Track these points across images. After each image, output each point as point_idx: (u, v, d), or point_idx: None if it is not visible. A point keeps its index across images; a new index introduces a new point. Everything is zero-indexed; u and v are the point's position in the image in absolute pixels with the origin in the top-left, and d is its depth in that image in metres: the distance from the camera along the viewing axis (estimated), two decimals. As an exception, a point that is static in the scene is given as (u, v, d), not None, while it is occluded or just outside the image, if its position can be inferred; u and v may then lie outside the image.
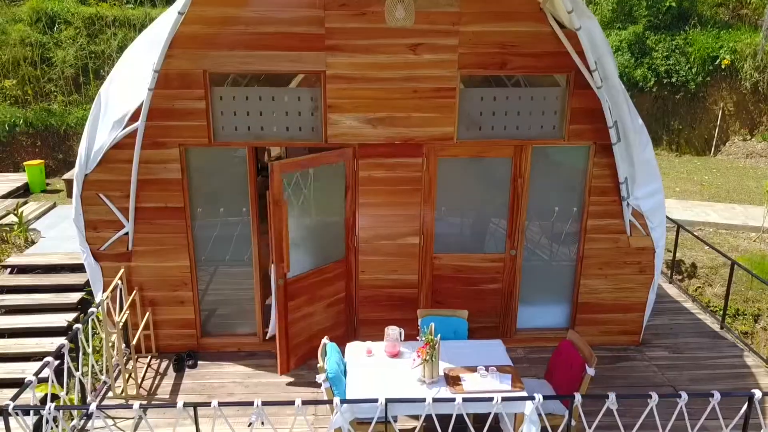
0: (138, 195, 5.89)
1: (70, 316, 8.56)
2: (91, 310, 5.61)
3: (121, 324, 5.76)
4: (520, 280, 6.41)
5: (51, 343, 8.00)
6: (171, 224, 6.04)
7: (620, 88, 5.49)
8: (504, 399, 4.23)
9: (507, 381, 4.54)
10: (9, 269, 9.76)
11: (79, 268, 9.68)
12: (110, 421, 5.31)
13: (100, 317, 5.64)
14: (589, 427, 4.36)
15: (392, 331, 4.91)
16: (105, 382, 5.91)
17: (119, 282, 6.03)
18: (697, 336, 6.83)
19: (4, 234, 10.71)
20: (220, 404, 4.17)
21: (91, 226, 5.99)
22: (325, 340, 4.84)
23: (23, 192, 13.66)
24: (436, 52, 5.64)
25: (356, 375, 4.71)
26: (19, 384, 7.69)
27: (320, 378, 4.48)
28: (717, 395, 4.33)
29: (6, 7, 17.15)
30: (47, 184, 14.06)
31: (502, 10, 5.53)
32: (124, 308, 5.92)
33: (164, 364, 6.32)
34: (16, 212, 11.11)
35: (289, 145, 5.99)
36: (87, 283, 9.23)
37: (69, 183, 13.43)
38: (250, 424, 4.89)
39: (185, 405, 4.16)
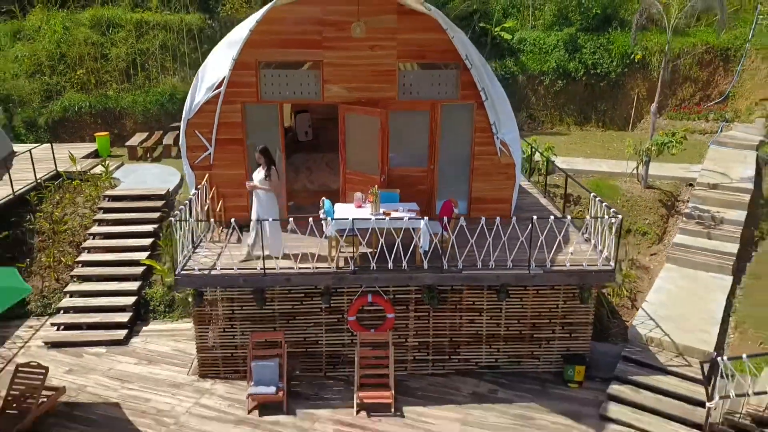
0: (217, 131, 10.49)
1: (153, 225, 13.34)
2: (190, 195, 10.18)
3: (206, 207, 10.35)
4: (437, 184, 11.01)
5: (143, 242, 12.84)
6: (235, 149, 10.65)
7: (483, 70, 10.09)
8: (409, 219, 8.86)
9: (414, 214, 9.17)
10: (107, 198, 14.39)
11: (153, 197, 14.30)
12: (211, 246, 9.94)
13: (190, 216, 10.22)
14: (453, 236, 8.99)
15: (357, 195, 9.55)
16: (201, 237, 10.52)
17: (205, 182, 10.63)
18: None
19: (96, 180, 15.25)
20: (274, 220, 8.80)
21: (190, 149, 10.61)
22: (323, 198, 9.49)
23: (94, 156, 18.07)
24: (384, 50, 10.24)
25: (339, 213, 9.35)
26: (129, 263, 12.44)
27: (321, 213, 9.11)
28: (514, 218, 8.95)
29: (72, 14, 21.67)
30: (110, 151, 18.51)
31: (420, 26, 10.11)
32: (208, 198, 10.53)
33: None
34: (104, 164, 15.69)
35: (301, 102, 10.58)
36: (163, 205, 13.89)
37: (131, 149, 17.99)
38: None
39: (257, 221, 8.78)
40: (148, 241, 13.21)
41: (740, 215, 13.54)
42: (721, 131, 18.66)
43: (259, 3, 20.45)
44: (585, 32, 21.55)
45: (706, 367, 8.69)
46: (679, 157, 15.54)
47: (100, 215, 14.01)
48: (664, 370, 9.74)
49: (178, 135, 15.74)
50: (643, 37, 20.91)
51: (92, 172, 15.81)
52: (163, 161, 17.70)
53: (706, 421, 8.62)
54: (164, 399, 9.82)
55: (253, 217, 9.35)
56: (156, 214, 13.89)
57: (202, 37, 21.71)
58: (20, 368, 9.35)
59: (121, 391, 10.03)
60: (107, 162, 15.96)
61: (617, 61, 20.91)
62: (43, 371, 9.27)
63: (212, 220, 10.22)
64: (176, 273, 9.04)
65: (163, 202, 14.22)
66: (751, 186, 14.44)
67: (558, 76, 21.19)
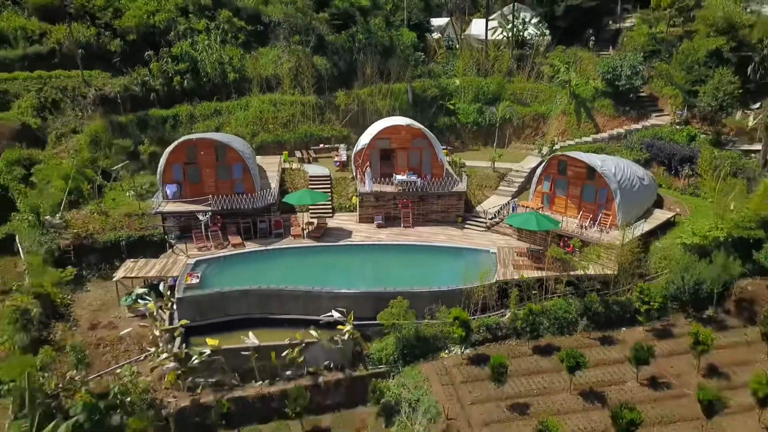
0: (363, 157, 39.32)
1: (329, 185, 42.61)
2: (353, 173, 38.94)
3: (358, 176, 39.06)
4: (422, 170, 39.94)
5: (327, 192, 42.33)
6: (366, 162, 39.50)
7: (433, 139, 39.05)
8: (415, 179, 37.94)
9: (416, 177, 38.20)
10: (310, 177, 43.40)
11: (325, 176, 43.42)
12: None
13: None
14: (425, 181, 38.04)
15: (401, 172, 38.54)
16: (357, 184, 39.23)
17: (359, 169, 39.42)
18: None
19: (297, 170, 44.12)
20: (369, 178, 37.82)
21: (354, 161, 39.73)
22: (393, 173, 38.50)
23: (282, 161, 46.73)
24: (408, 135, 39.28)
25: (397, 177, 38.31)
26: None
27: (393, 178, 38.07)
28: (441, 179, 38.04)
29: (262, 96, 50.01)
30: (289, 159, 47.07)
31: (417, 130, 39.12)
32: (359, 172, 39.31)
33: (364, 184, 39.77)
34: (300, 164, 44.65)
35: (385, 148, 39.61)
36: (329, 179, 43.05)
37: (299, 158, 46.90)
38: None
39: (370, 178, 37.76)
40: (328, 191, 41.89)
41: (521, 179, 42.71)
42: (537, 150, 47.65)
43: (353, 96, 49.35)
44: (486, 104, 50.55)
45: (483, 212, 37.74)
46: (515, 159, 44.64)
47: (312, 184, 42.76)
48: (481, 218, 38.72)
49: (321, 149, 44.83)
50: (517, 109, 49.79)
51: (291, 167, 44.38)
52: (313, 163, 46.26)
53: (486, 224, 37.69)
54: (352, 226, 38.75)
55: (368, 177, 38.28)
56: (328, 182, 42.56)
57: (315, 107, 50.23)
58: (319, 218, 38.23)
59: (340, 225, 38.85)
60: (300, 162, 44.69)
61: (500, 119, 49.80)
62: (326, 217, 38.17)
63: (359, 179, 39.04)
64: (357, 192, 37.90)
65: (329, 177, 42.88)
66: (529, 169, 43.42)
67: (474, 125, 50.17)
